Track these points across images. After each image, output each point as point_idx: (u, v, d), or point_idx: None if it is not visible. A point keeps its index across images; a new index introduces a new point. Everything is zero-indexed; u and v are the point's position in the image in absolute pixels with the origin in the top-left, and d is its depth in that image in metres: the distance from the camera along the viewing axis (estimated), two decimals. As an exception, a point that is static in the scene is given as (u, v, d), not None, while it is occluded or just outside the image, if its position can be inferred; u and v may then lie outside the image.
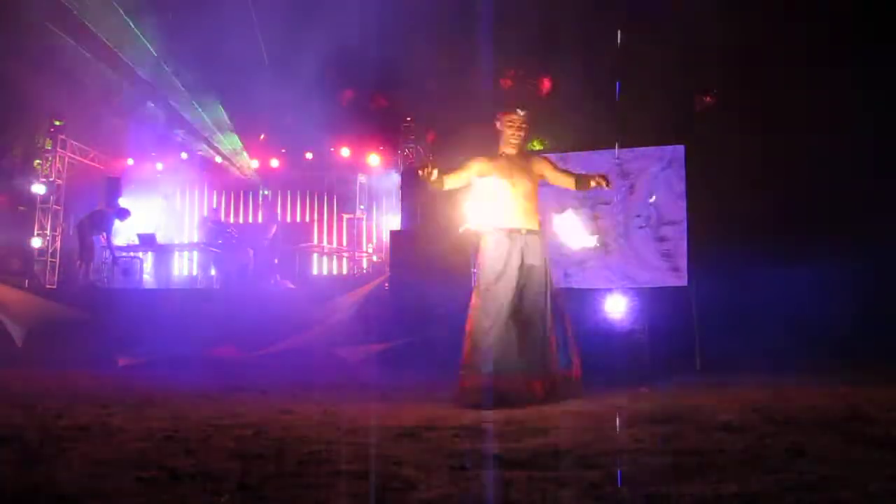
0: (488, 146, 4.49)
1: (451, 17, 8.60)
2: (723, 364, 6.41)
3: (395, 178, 10.88)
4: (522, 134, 4.34)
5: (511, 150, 4.34)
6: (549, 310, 4.17)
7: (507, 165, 4.29)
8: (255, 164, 12.02)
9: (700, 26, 7.68)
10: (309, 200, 12.72)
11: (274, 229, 11.06)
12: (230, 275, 10.40)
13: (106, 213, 10.63)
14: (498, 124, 4.38)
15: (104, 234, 10.41)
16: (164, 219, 12.60)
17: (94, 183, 11.81)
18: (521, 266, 4.17)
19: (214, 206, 12.69)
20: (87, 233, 10.28)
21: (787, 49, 7.77)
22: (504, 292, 4.11)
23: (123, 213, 10.81)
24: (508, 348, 4.06)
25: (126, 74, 10.09)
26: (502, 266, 4.14)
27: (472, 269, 4.28)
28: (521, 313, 4.14)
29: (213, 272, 10.99)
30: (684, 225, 7.38)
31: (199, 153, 12.17)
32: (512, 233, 4.20)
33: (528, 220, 4.25)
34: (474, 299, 4.17)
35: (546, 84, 9.55)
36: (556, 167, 4.43)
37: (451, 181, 4.28)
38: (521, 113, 4.32)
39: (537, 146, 4.28)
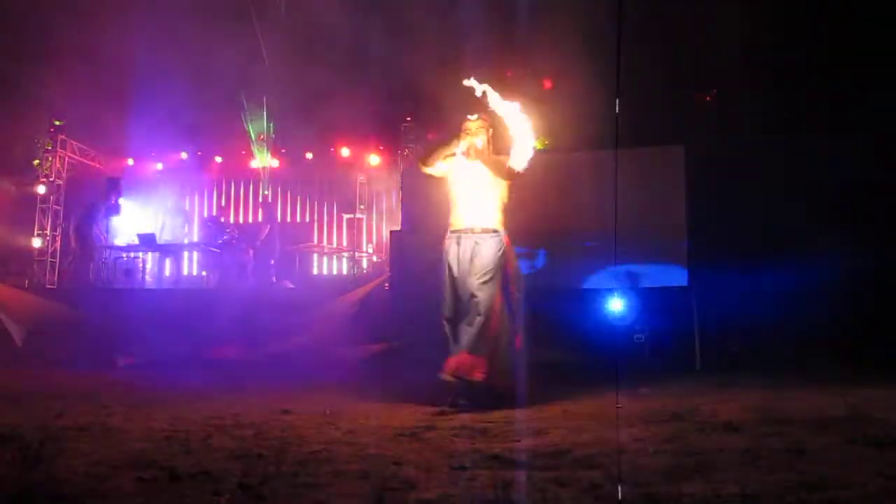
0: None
1: (451, 15, 8.60)
2: (723, 364, 6.41)
3: (395, 178, 10.88)
4: (473, 140, 4.33)
5: (474, 159, 4.34)
6: (492, 306, 4.12)
7: (466, 166, 4.35)
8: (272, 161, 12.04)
9: (700, 26, 7.68)
10: (309, 200, 12.72)
11: (267, 230, 11.05)
12: (230, 275, 10.40)
13: (95, 205, 10.64)
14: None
15: (100, 233, 10.43)
16: (163, 219, 12.60)
17: (94, 183, 11.80)
18: (470, 263, 4.22)
19: (215, 213, 12.65)
20: (87, 231, 10.30)
21: (787, 49, 7.77)
22: (451, 292, 4.23)
23: (112, 209, 10.81)
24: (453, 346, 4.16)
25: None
26: (451, 267, 4.24)
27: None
28: (464, 307, 4.18)
29: (204, 273, 11.00)
30: (684, 225, 7.38)
31: (199, 153, 12.18)
32: (462, 234, 4.27)
33: (482, 220, 4.29)
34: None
35: (546, 84, 9.54)
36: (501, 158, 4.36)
37: (436, 167, 4.46)
38: (473, 118, 4.37)
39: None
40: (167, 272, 11.74)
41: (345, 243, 12.01)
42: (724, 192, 7.50)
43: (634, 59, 8.00)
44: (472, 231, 4.27)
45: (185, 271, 12.20)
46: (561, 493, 1.95)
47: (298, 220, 12.69)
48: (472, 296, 4.12)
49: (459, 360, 4.06)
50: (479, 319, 4.07)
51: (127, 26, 9.29)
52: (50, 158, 11.52)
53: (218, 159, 12.39)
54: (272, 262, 10.90)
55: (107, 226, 10.90)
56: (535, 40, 8.82)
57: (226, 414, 3.57)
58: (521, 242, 7.44)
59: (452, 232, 4.34)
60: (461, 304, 4.20)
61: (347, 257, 11.66)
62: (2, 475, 2.20)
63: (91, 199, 10.89)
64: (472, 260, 4.21)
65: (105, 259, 10.72)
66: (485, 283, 4.13)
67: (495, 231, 4.28)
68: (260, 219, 12.01)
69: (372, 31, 8.87)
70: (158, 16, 9.43)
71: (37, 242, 11.30)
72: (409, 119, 10.78)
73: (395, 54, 8.84)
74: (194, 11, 8.77)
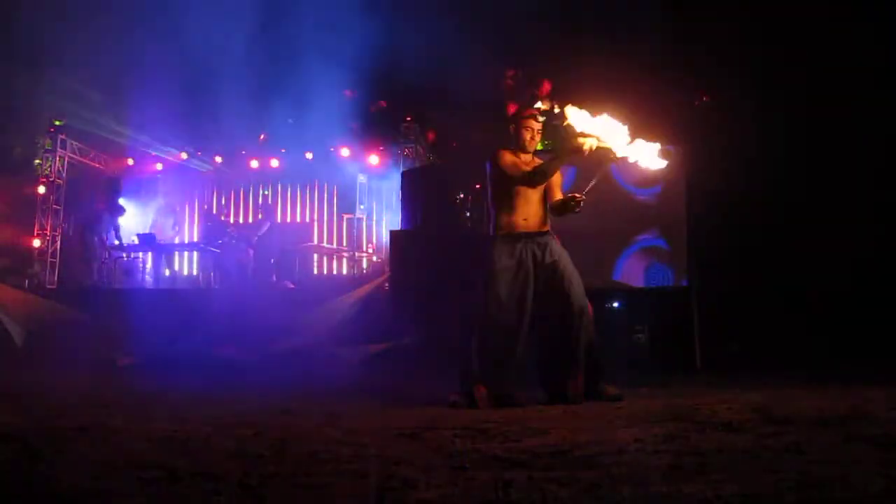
0: (485, 145, 4.49)
1: (451, 15, 8.60)
2: (723, 364, 6.41)
3: (395, 178, 10.88)
4: (538, 139, 4.36)
5: (526, 154, 4.32)
6: (574, 309, 4.09)
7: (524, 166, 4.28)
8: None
9: (700, 26, 7.68)
10: (309, 200, 12.71)
11: (266, 226, 11.03)
12: (230, 275, 10.39)
13: (100, 213, 10.62)
14: (512, 127, 4.36)
15: (104, 234, 10.41)
16: (163, 219, 12.59)
17: (94, 183, 11.80)
18: (539, 267, 4.10)
19: (214, 211, 12.62)
20: (90, 237, 10.30)
21: (786, 48, 7.77)
22: (514, 297, 4.05)
23: (116, 211, 10.79)
24: (510, 353, 4.05)
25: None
26: (513, 271, 4.08)
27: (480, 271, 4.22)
28: (543, 314, 4.11)
29: (198, 274, 11.00)
30: (684, 225, 7.39)
31: (198, 154, 12.19)
32: (525, 236, 4.16)
33: (542, 223, 4.24)
34: (481, 303, 4.11)
35: (545, 87, 9.54)
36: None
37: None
38: (541, 120, 4.36)
39: (539, 146, 4.36)
40: (168, 272, 11.74)
41: (345, 243, 12.01)
42: (724, 191, 7.50)
43: (635, 59, 8.02)
44: (535, 234, 4.18)
45: (186, 271, 12.19)
46: (561, 493, 1.95)
47: (298, 219, 12.69)
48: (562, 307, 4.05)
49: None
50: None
51: (124, 22, 9.30)
52: (50, 158, 11.51)
53: (218, 159, 12.39)
54: (272, 261, 10.90)
55: (116, 230, 10.82)
56: (536, 40, 8.82)
57: (226, 414, 3.57)
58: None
59: (517, 234, 4.17)
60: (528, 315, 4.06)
61: (347, 257, 11.66)
62: (2, 475, 2.20)
63: (95, 204, 10.88)
64: (542, 261, 4.09)
65: (105, 259, 10.71)
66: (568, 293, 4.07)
67: (550, 233, 4.23)
68: (260, 217, 12.00)
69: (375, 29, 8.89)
70: (158, 13, 9.43)
71: (37, 242, 11.29)
72: (409, 119, 10.78)
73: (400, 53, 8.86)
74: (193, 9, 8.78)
